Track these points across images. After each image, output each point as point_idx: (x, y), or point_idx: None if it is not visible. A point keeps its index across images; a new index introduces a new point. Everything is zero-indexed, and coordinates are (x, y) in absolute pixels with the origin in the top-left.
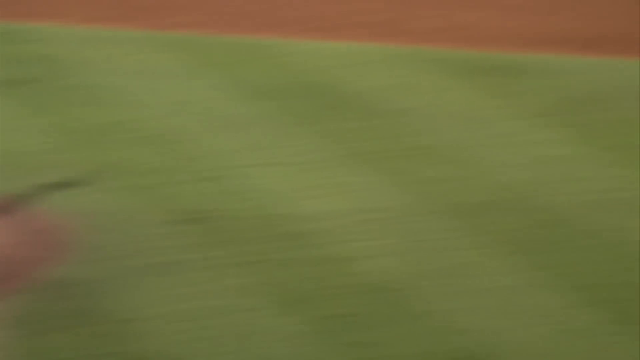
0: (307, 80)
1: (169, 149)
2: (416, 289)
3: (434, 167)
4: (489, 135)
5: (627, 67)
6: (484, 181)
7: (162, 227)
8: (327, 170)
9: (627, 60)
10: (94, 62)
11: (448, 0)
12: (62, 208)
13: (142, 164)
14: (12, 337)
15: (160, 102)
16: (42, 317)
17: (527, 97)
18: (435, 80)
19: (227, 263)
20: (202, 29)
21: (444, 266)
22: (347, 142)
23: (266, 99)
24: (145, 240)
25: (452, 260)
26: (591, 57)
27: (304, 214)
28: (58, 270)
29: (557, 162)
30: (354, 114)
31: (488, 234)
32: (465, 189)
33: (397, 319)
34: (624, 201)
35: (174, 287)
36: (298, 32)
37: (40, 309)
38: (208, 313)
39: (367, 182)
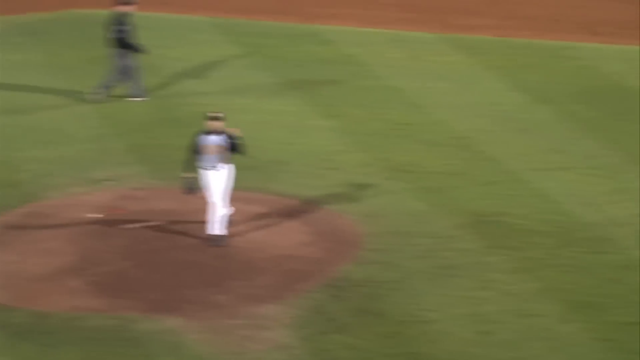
0: (595, 84)
1: (458, 152)
2: None
3: None
4: None
5: None
6: None
7: (450, 229)
8: (617, 175)
9: None
10: (390, 64)
11: None
12: (351, 209)
13: (432, 166)
14: (297, 336)
15: (451, 105)
16: (326, 317)
17: None
18: None
19: (512, 267)
20: (493, 32)
21: None
22: (638, 146)
23: (553, 103)
24: (434, 242)
25: None
26: None
27: (594, 219)
28: (345, 270)
29: None
30: None
31: None
32: None
33: None
34: None
35: (461, 290)
36: (584, 35)
37: (325, 309)
38: (495, 317)
39: None
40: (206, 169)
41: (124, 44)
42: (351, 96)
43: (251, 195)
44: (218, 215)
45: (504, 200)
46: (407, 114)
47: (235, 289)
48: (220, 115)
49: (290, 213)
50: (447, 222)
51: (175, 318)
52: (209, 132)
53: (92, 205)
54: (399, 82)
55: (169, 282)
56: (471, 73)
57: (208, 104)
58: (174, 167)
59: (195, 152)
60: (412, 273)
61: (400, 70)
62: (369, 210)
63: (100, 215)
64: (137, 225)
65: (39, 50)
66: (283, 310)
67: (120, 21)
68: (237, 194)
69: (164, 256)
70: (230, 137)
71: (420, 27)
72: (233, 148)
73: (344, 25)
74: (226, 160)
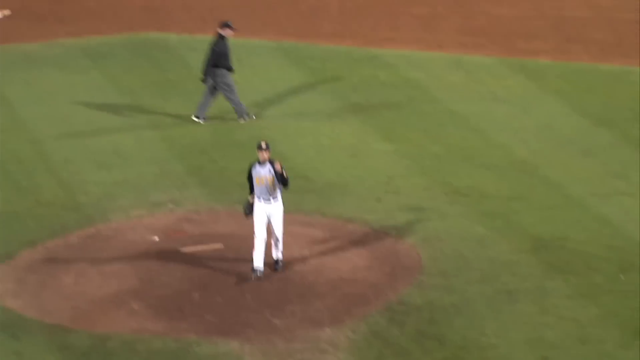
0: None
1: (519, 176)
2: None
3: None
4: None
5: None
6: None
7: (510, 254)
8: None
9: None
10: (450, 87)
11: None
12: (410, 233)
13: (492, 190)
14: None
15: (511, 128)
16: (385, 341)
17: None
18: None
19: (573, 292)
20: (554, 56)
21: None
22: None
23: (614, 127)
24: (494, 267)
25: None
26: None
27: None
28: (404, 294)
29: None
30: None
31: None
32: None
33: None
34: None
35: (521, 315)
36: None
37: (383, 333)
38: (555, 343)
39: None
40: (260, 200)
41: (211, 63)
42: (411, 120)
43: (310, 218)
44: (275, 241)
45: (564, 225)
46: (467, 138)
47: (293, 312)
48: (263, 145)
49: (349, 236)
50: (507, 246)
51: (233, 341)
52: (260, 162)
53: (152, 228)
54: (459, 105)
55: (227, 305)
56: (531, 97)
57: (267, 127)
58: (234, 190)
59: (250, 182)
60: (472, 298)
61: (461, 94)
62: (428, 234)
63: (157, 239)
64: (196, 248)
65: (100, 73)
66: (341, 334)
67: (213, 42)
68: (296, 217)
69: (222, 279)
70: (273, 168)
71: (481, 50)
72: (277, 180)
73: (404, 49)
74: (278, 191)
